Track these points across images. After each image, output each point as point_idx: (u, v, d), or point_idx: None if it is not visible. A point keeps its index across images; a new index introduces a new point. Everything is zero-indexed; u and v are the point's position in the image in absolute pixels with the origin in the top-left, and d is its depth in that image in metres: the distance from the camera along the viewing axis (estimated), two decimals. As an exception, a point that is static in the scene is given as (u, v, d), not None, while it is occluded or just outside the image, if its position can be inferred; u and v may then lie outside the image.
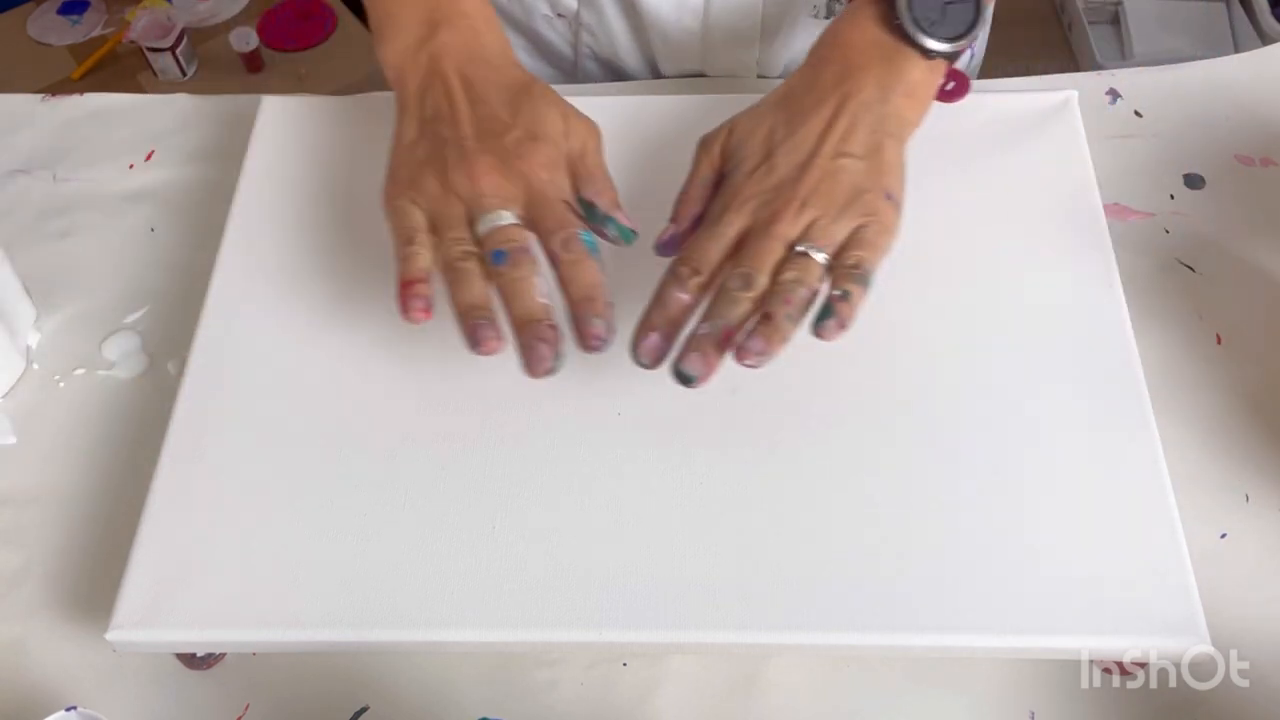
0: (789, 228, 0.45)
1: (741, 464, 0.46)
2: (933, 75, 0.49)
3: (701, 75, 0.67)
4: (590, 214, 0.47)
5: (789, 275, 0.44)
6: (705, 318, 0.45)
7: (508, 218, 0.45)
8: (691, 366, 0.44)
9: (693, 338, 0.44)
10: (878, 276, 0.45)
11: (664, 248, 0.48)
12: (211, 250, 0.53)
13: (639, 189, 0.54)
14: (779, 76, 0.67)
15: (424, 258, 0.46)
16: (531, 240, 0.46)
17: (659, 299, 0.46)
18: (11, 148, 0.63)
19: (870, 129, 0.47)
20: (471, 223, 0.46)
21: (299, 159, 0.56)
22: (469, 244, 0.45)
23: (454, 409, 0.48)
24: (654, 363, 0.45)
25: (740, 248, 0.46)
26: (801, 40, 0.66)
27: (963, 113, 0.57)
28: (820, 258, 0.45)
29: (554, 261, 0.45)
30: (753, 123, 0.49)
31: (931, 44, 0.48)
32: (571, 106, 0.49)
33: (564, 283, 0.45)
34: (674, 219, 0.49)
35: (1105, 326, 0.49)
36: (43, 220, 0.60)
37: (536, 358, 0.43)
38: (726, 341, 0.44)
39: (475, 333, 0.44)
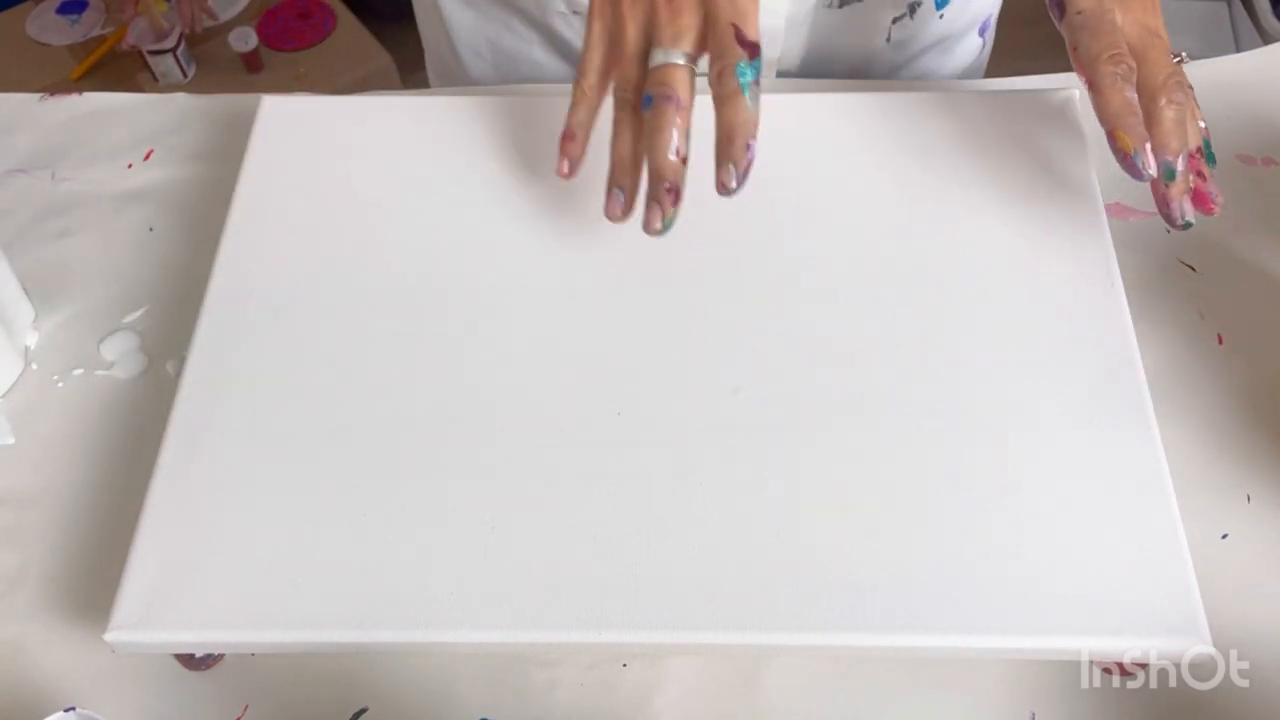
0: None
1: (742, 464, 0.46)
2: None
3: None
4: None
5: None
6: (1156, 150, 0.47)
7: (675, 55, 0.46)
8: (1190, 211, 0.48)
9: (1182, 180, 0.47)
10: (876, 278, 0.45)
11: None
12: (211, 250, 0.53)
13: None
14: (796, 74, 0.67)
15: (583, 108, 0.49)
16: (687, 81, 0.46)
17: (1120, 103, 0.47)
18: (10, 147, 0.63)
19: None
20: (647, 56, 0.47)
21: (299, 159, 0.56)
22: (634, 86, 0.47)
23: (454, 409, 0.48)
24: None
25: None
26: (819, 33, 0.66)
27: (963, 112, 0.57)
28: None
29: (713, 96, 0.46)
30: None
31: None
32: None
33: (715, 119, 0.45)
34: None
35: (1106, 326, 0.49)
36: (41, 220, 0.60)
37: (647, 219, 0.46)
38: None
39: (606, 202, 0.48)
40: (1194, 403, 0.51)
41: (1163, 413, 0.47)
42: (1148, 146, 0.47)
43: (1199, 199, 0.49)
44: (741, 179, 0.45)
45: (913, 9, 0.66)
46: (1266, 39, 1.48)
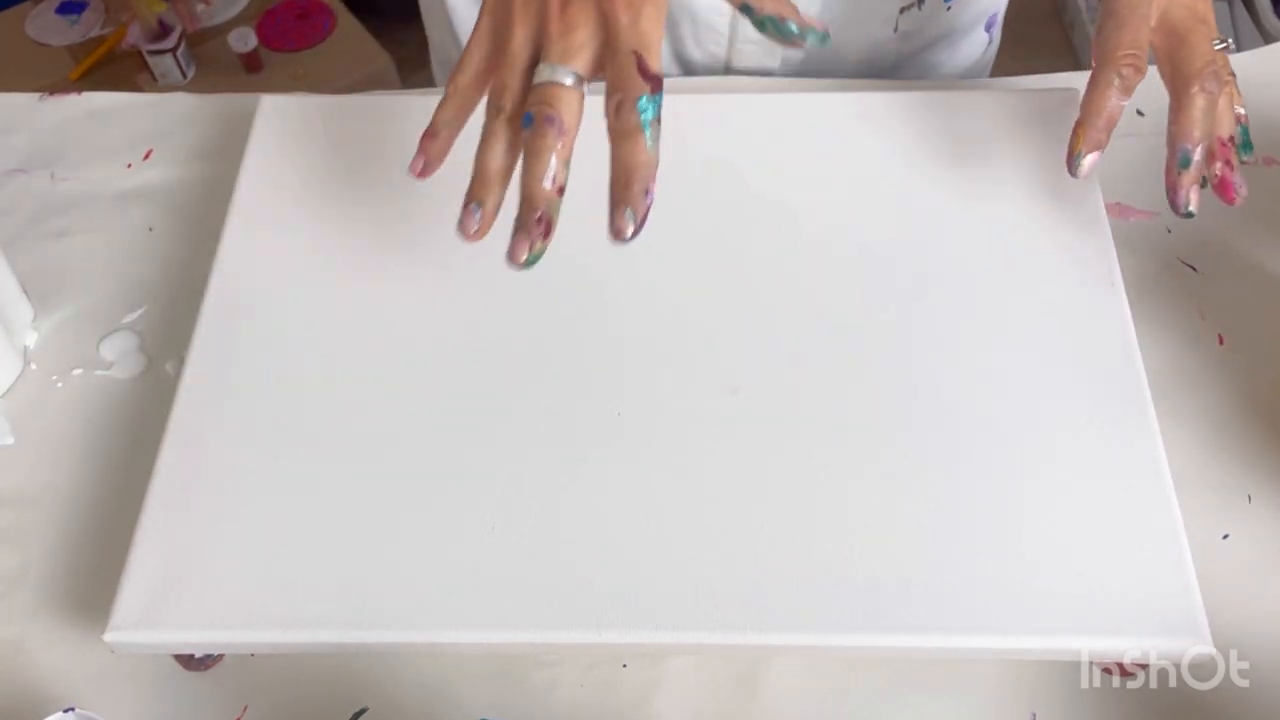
0: None
1: (742, 464, 0.46)
2: None
3: (725, 69, 0.67)
4: (777, 29, 0.45)
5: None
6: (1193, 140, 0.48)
7: (563, 74, 0.42)
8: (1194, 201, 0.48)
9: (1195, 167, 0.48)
10: (876, 277, 0.44)
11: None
12: (210, 250, 0.53)
13: (656, 195, 0.54)
14: (801, 62, 0.67)
15: (451, 106, 0.45)
16: (575, 104, 0.42)
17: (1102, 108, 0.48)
18: (9, 147, 0.63)
19: None
20: (533, 70, 0.42)
21: (298, 158, 0.56)
22: (513, 96, 0.43)
23: (454, 409, 0.48)
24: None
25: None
26: (828, 19, 0.66)
27: (963, 112, 0.57)
28: None
29: (608, 129, 0.42)
30: None
31: None
32: None
33: (611, 156, 0.42)
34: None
35: (1106, 326, 0.49)
36: (40, 220, 0.60)
37: (513, 248, 0.42)
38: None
39: (461, 216, 0.43)
40: (1194, 403, 0.51)
41: (1163, 413, 0.47)
42: (1096, 155, 0.48)
43: (1222, 187, 0.50)
44: (639, 226, 0.42)
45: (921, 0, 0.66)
46: (1267, 39, 1.48)
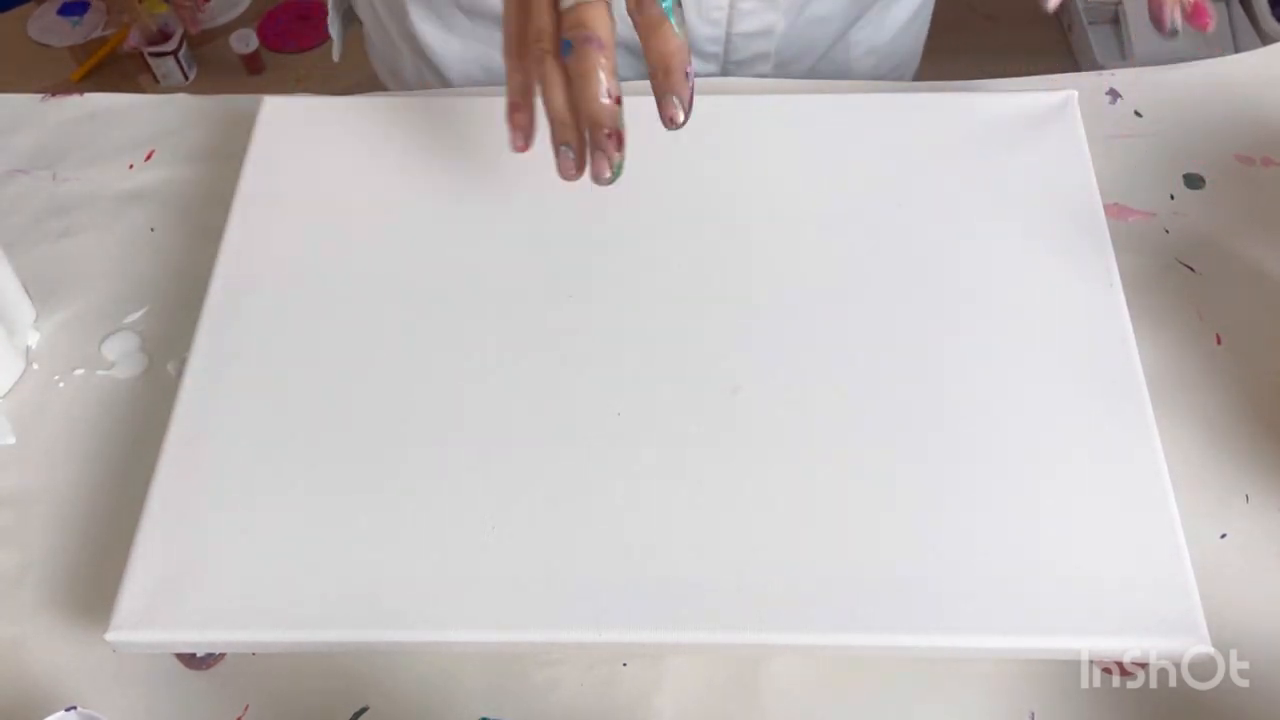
0: None
1: (742, 464, 0.46)
2: None
3: (727, 37, 0.67)
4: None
5: None
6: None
7: None
8: None
9: None
10: (876, 279, 0.44)
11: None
12: (211, 250, 0.53)
13: (656, 195, 0.54)
14: (792, 71, 0.67)
15: (517, 77, 0.48)
16: (605, 18, 0.43)
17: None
18: (11, 147, 0.63)
19: None
20: (557, 5, 0.44)
21: (299, 159, 0.56)
22: (549, 35, 0.44)
23: (454, 409, 0.48)
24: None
25: None
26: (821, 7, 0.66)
27: (962, 113, 0.57)
28: None
29: (636, 27, 0.43)
30: None
31: None
32: None
33: (645, 51, 0.43)
34: None
35: (1105, 326, 0.49)
36: (42, 220, 0.60)
37: (594, 171, 0.44)
38: None
39: (557, 163, 0.45)
40: (1193, 403, 0.51)
41: (1162, 413, 0.48)
42: None
43: (1195, 12, 0.50)
44: (688, 110, 0.43)
45: None
46: (1265, 40, 1.48)
